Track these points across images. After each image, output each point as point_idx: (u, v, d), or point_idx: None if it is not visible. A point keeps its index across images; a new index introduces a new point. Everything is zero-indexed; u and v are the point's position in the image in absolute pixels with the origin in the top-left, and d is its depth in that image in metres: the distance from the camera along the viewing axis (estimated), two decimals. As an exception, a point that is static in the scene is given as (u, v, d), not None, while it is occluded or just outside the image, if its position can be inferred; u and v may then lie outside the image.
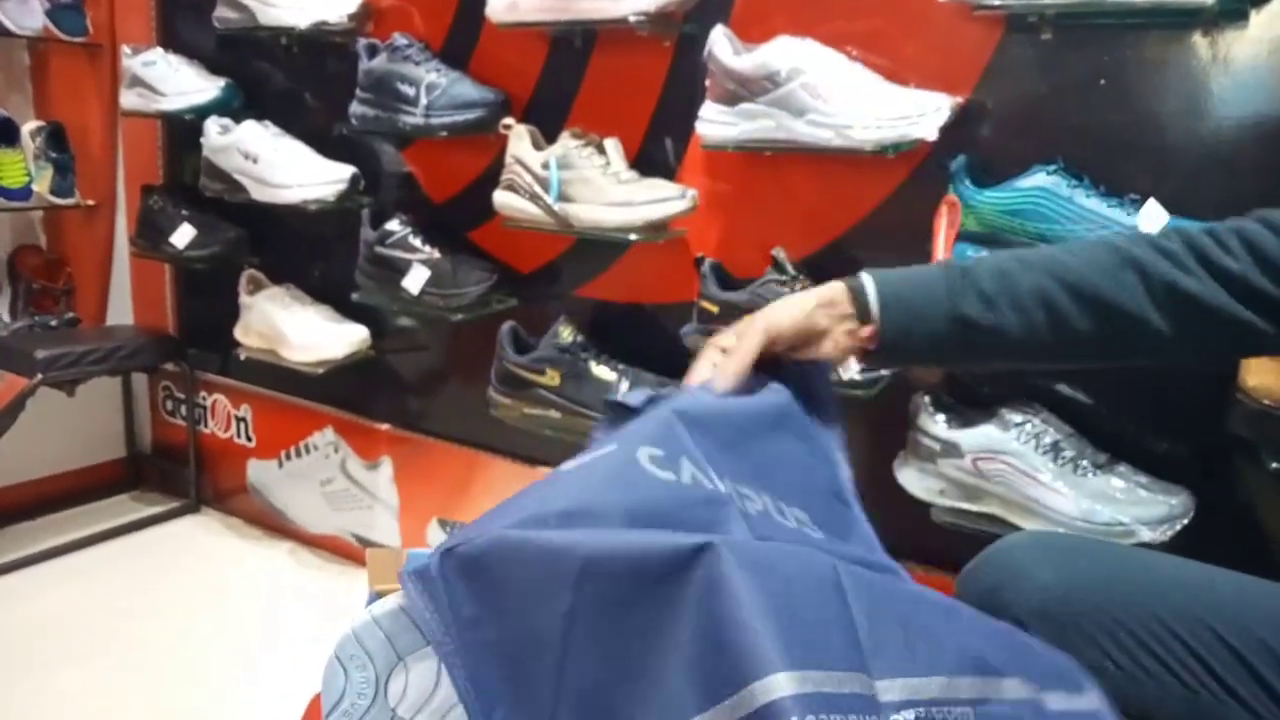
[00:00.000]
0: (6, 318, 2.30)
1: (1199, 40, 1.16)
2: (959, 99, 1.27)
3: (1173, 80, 1.18)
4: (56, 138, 2.18)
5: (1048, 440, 1.24)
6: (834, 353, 0.78)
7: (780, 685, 0.47)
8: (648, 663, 0.51)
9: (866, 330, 0.77)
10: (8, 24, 2.05)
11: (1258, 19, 1.13)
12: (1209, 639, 0.69)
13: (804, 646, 0.49)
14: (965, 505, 1.30)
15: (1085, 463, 1.23)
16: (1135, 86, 1.21)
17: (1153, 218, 1.14)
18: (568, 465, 0.64)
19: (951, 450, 1.28)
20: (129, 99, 2.02)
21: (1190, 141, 1.19)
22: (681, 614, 0.51)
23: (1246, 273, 0.71)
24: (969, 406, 1.31)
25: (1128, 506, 1.19)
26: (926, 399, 1.32)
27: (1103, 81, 1.22)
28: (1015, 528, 1.25)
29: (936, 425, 1.30)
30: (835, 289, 0.78)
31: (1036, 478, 1.23)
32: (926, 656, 0.54)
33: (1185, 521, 1.17)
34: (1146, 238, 0.76)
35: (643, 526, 0.56)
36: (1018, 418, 1.26)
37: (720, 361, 0.76)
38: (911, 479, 1.33)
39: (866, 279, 0.78)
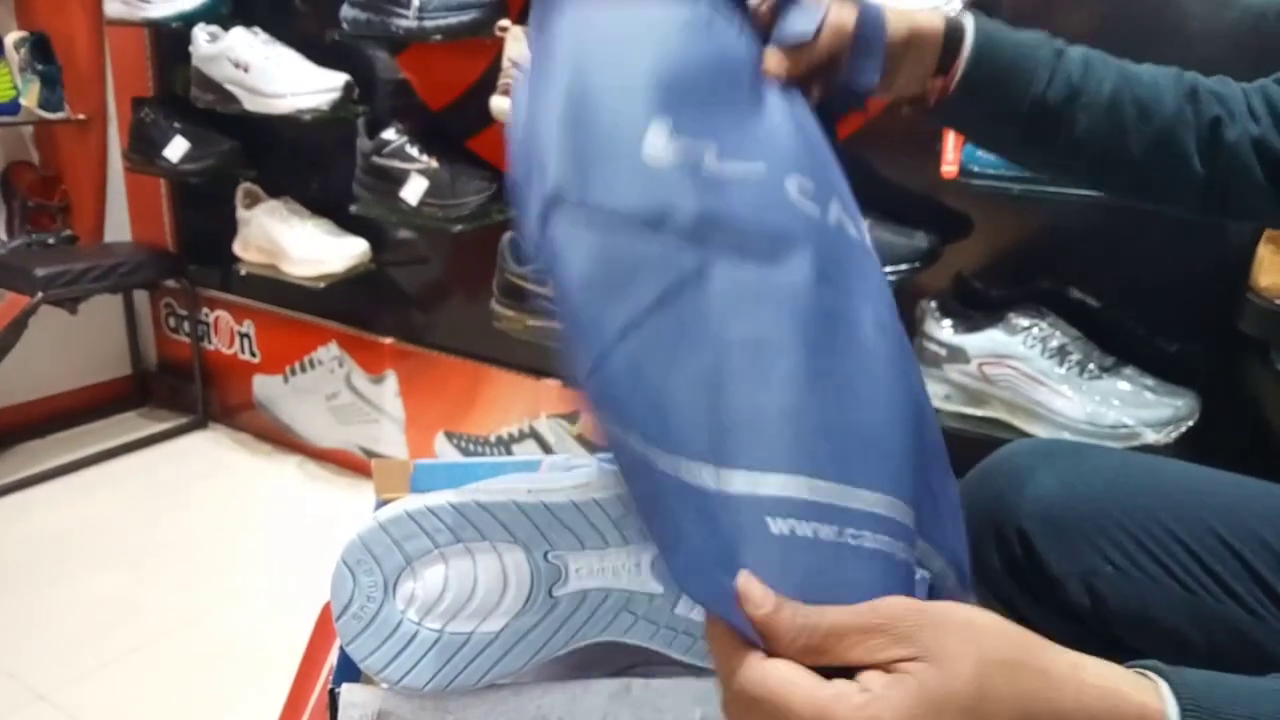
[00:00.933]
0: (4, 236, 2.28)
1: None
2: (971, -9, 1.22)
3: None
4: (42, 48, 2.12)
5: (1054, 344, 1.23)
6: (893, 83, 0.72)
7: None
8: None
9: (938, 81, 0.72)
10: (-17, -71, 1.98)
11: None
12: (1210, 541, 0.69)
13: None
14: (970, 410, 1.30)
15: (1092, 366, 1.22)
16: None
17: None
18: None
19: (958, 355, 1.28)
20: (113, 7, 1.95)
21: (1218, 26, 1.15)
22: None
23: (1265, 135, 0.70)
24: (976, 311, 1.30)
25: (1133, 409, 1.19)
26: (933, 304, 1.31)
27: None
28: (1019, 432, 1.25)
29: (943, 331, 1.29)
30: (932, 20, 0.71)
31: (1042, 381, 1.23)
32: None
33: (1191, 423, 1.17)
34: (1202, 77, 0.74)
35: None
36: (1024, 322, 1.25)
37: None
38: (917, 384, 1.33)
39: (968, 23, 0.71)
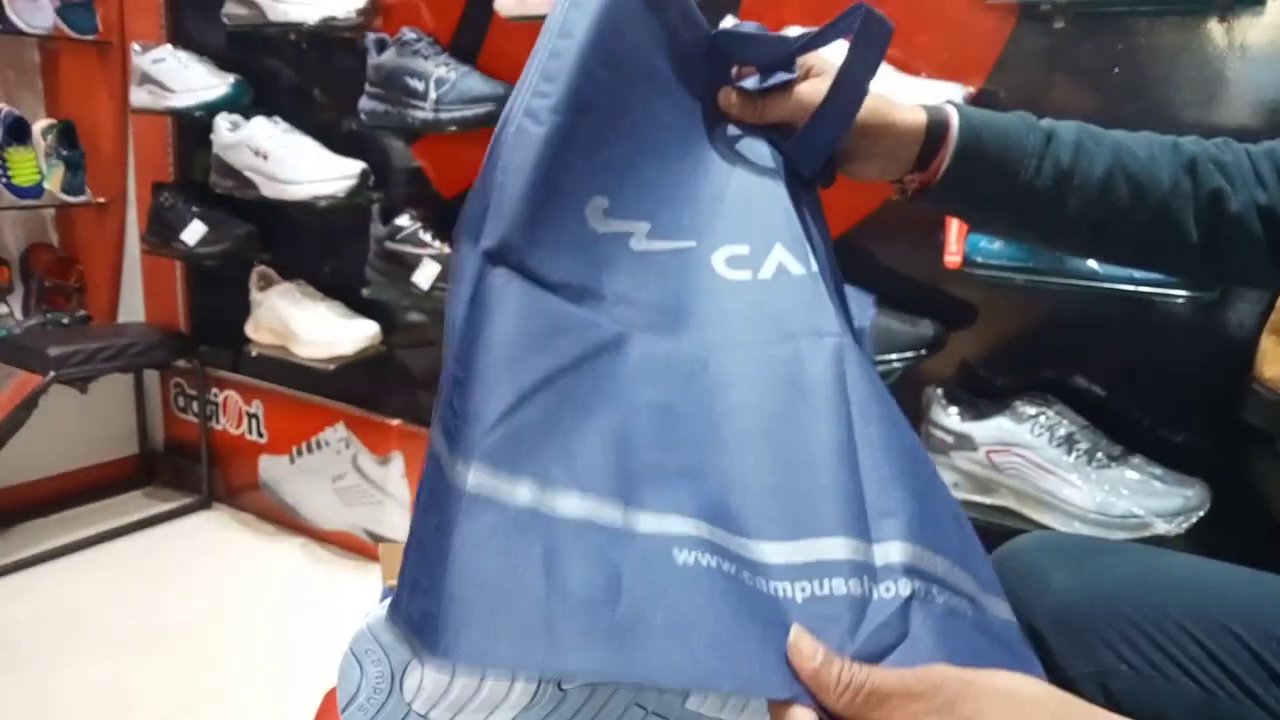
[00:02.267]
0: (19, 315, 2.31)
1: (1214, 27, 1.15)
2: (971, 89, 1.26)
3: (1188, 68, 1.17)
4: (67, 135, 2.18)
5: (1061, 432, 1.23)
6: (867, 170, 0.73)
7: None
8: None
9: (915, 176, 0.73)
10: (18, 23, 2.06)
11: (1274, 5, 1.12)
12: (1226, 639, 0.68)
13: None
14: (979, 499, 1.30)
15: (1100, 454, 1.22)
16: (1150, 75, 1.20)
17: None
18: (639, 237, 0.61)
19: (965, 443, 1.28)
20: (139, 96, 2.02)
21: (1206, 131, 1.17)
22: None
23: (1274, 203, 0.70)
24: (982, 399, 1.30)
25: (1143, 498, 1.18)
26: (939, 391, 1.31)
27: (1116, 70, 1.21)
28: (1029, 520, 1.24)
29: (949, 418, 1.29)
30: (912, 117, 0.72)
31: (1051, 470, 1.22)
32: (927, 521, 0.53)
33: (1202, 513, 1.16)
34: (1204, 144, 0.74)
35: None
36: (1031, 410, 1.25)
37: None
38: (924, 472, 1.32)
39: (953, 118, 0.72)
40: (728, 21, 1.36)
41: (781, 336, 0.58)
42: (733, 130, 0.70)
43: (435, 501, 0.49)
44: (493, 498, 0.48)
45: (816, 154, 0.69)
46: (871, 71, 0.66)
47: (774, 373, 0.57)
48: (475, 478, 0.48)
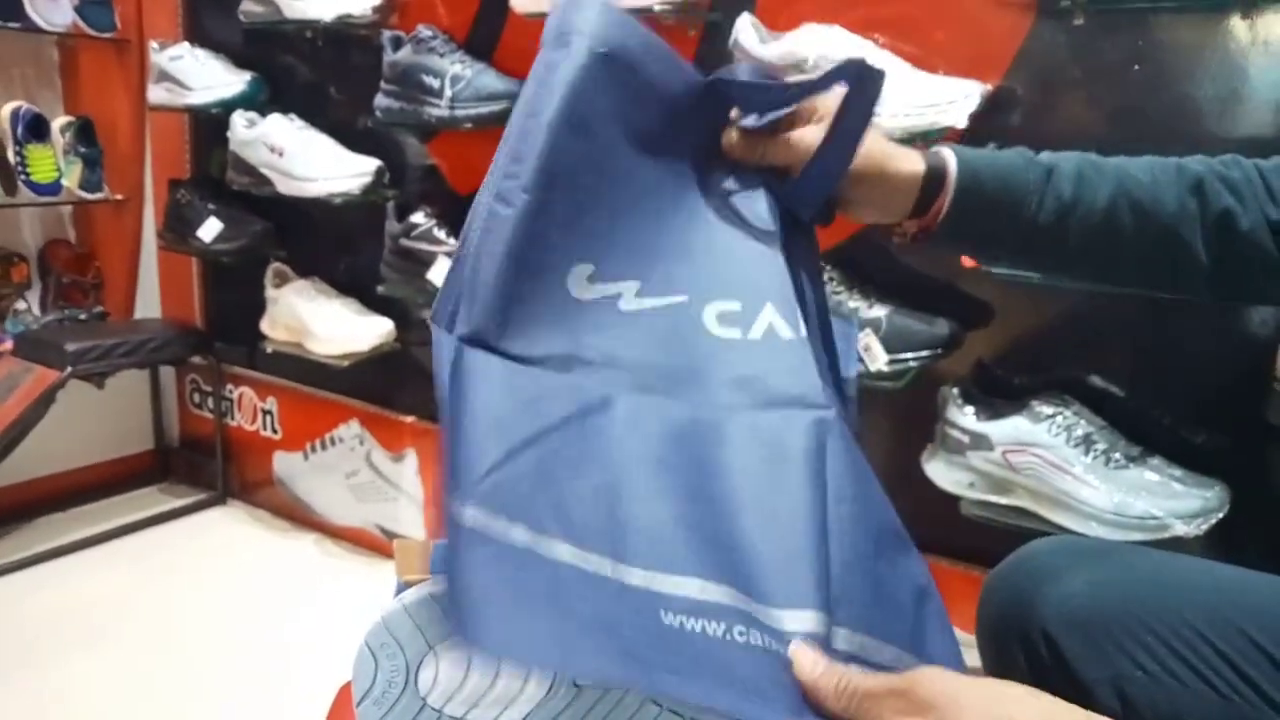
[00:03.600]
0: (37, 311, 2.33)
1: (1236, 22, 1.14)
2: (989, 86, 1.25)
3: (1209, 64, 1.16)
4: (86, 133, 2.20)
5: (1079, 432, 1.22)
6: (864, 214, 0.74)
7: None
8: None
9: (913, 222, 0.74)
10: (37, 20, 2.07)
11: (1298, 1, 1.11)
12: (1243, 644, 0.67)
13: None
14: (995, 499, 1.29)
15: (1118, 455, 1.21)
16: (1170, 71, 1.18)
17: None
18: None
19: (981, 442, 1.27)
20: (156, 93, 2.03)
21: (1227, 127, 1.16)
22: None
23: None
24: (998, 398, 1.29)
25: (1161, 499, 1.17)
26: (955, 391, 1.30)
27: (1137, 66, 1.20)
28: (1046, 521, 1.23)
29: (965, 417, 1.28)
30: (910, 165, 0.72)
31: (1068, 470, 1.22)
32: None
33: (1221, 515, 1.14)
34: (1211, 163, 0.73)
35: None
36: (1048, 409, 1.24)
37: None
38: (940, 472, 1.32)
39: (950, 163, 0.72)
40: (743, 21, 1.36)
41: (767, 403, 0.59)
42: (728, 183, 0.70)
43: (446, 523, 0.50)
44: (490, 534, 0.49)
45: (813, 198, 0.70)
46: (866, 120, 0.67)
47: (758, 440, 0.57)
48: (472, 516, 0.49)
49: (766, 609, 0.51)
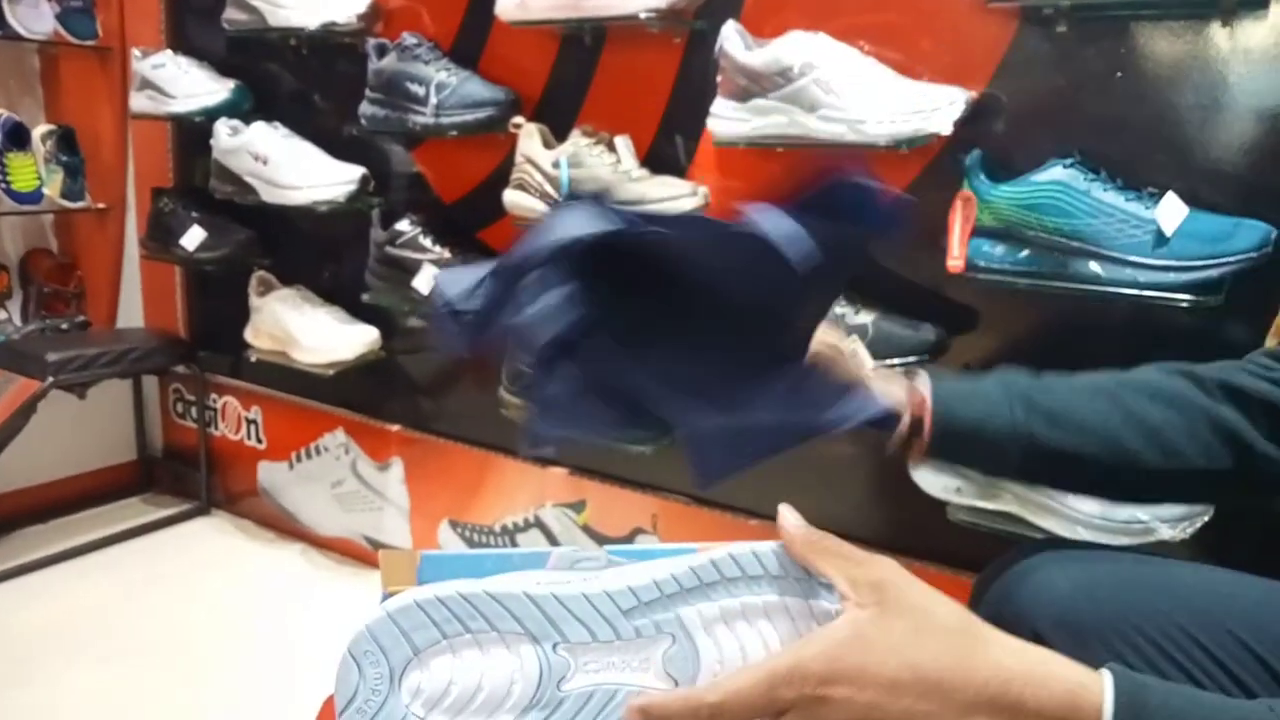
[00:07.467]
0: (18, 320, 2.30)
1: (1218, 30, 1.15)
2: (974, 93, 1.25)
3: (1191, 72, 1.17)
4: (67, 141, 2.18)
5: (1065, 437, 1.22)
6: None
7: None
8: None
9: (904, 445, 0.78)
10: (18, 28, 2.06)
11: (1278, 8, 1.11)
12: (1231, 645, 0.68)
13: None
14: (982, 504, 1.29)
15: (1103, 460, 1.21)
16: (1153, 78, 1.19)
17: (1171, 211, 1.12)
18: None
19: (967, 448, 1.27)
20: (139, 102, 2.02)
21: (1209, 134, 1.17)
22: None
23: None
24: (985, 404, 1.29)
25: (1147, 504, 1.17)
26: (942, 396, 1.31)
27: (1119, 74, 1.21)
28: (1032, 526, 1.23)
29: (952, 423, 1.28)
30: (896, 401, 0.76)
31: (1054, 475, 1.22)
32: None
33: (1205, 518, 1.15)
34: (1212, 390, 0.78)
35: None
36: (1034, 415, 1.24)
37: None
38: (927, 478, 1.31)
39: (926, 399, 0.76)
40: (729, 29, 1.36)
41: None
42: None
43: None
44: None
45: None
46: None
47: None
48: None
49: None
